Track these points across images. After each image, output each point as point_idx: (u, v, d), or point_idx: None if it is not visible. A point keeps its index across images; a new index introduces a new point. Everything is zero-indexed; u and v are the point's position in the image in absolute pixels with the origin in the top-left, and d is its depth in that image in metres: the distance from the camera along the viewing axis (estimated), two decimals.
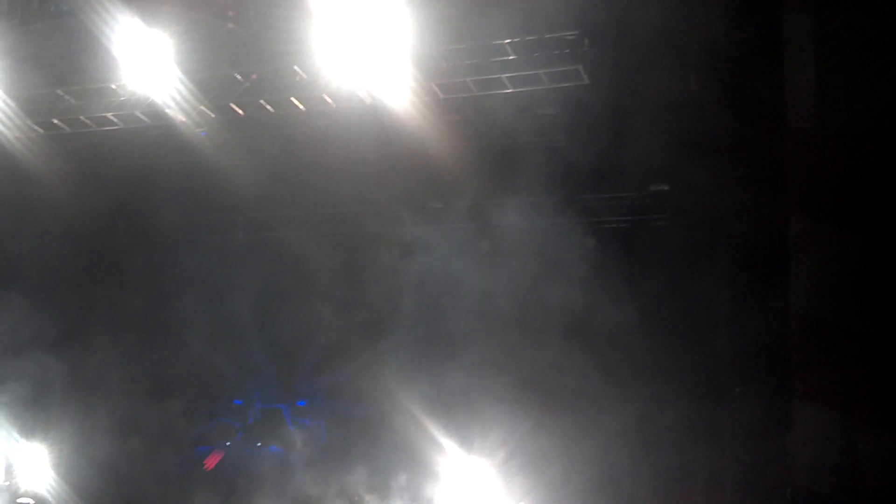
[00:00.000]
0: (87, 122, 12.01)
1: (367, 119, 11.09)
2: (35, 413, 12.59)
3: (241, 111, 11.47)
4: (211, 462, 12.57)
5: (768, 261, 10.16)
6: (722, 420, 10.29)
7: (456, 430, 11.21)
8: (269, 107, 11.30)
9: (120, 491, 12.10)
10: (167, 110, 11.33)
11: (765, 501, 10.15)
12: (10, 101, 11.77)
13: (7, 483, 12.69)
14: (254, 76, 10.88)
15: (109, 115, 11.79)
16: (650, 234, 10.68)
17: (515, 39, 9.94)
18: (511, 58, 10.14)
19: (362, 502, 11.59)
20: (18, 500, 12.66)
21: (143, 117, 11.65)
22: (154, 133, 12.17)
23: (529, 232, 11.03)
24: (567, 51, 9.96)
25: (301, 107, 11.22)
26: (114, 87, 11.28)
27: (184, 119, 11.48)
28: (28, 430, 12.65)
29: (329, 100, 10.90)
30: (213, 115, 11.43)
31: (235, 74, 11.01)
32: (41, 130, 12.05)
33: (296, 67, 10.63)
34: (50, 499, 12.50)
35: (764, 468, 10.20)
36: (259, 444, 12.52)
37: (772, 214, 9.88)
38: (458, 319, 11.38)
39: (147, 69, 10.93)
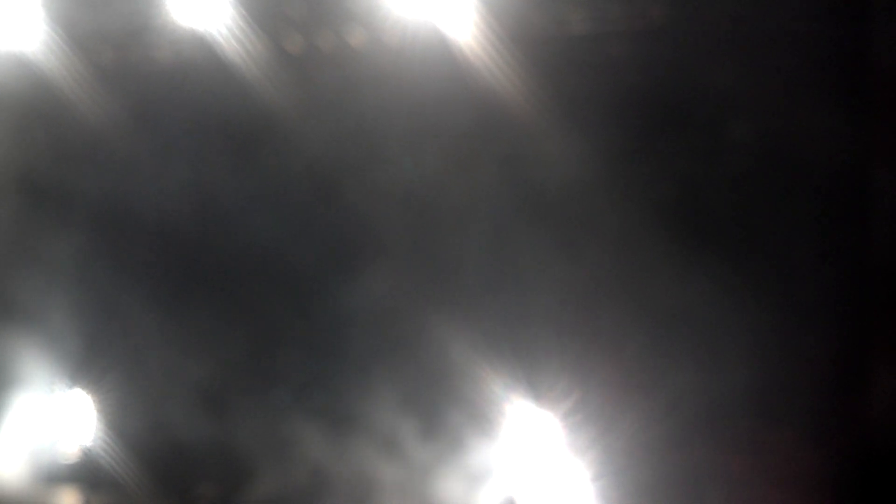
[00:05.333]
0: (136, 59, 13.08)
1: (429, 57, 11.83)
2: (82, 361, 13.54)
3: (296, 48, 12.46)
4: None
5: (850, 209, 10.94)
6: (796, 376, 11.16)
7: (520, 379, 12.12)
8: (326, 43, 12.25)
9: (173, 442, 13.00)
10: (219, 48, 12.40)
11: (839, 460, 11.03)
12: (56, 37, 12.82)
13: (52, 436, 13.61)
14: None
15: (158, 52, 12.91)
16: (727, 179, 11.47)
17: None
18: None
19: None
20: (64, 454, 13.64)
21: (192, 55, 12.68)
22: (206, 73, 12.83)
23: (602, 178, 11.87)
24: None
25: (359, 44, 12.15)
26: (162, 22, 12.37)
27: (237, 57, 12.47)
28: (74, 378, 13.58)
29: (390, 37, 11.83)
30: (268, 52, 12.44)
31: (289, 9, 11.96)
32: (88, 68, 12.97)
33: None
34: (98, 452, 13.47)
35: (839, 426, 11.06)
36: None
37: (855, 160, 10.61)
38: (526, 272, 12.38)
39: (197, 3, 12.00)
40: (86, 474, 13.58)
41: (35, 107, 13.23)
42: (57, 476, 13.65)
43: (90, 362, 13.54)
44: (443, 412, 12.38)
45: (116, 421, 13.48)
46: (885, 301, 10.73)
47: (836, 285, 10.94)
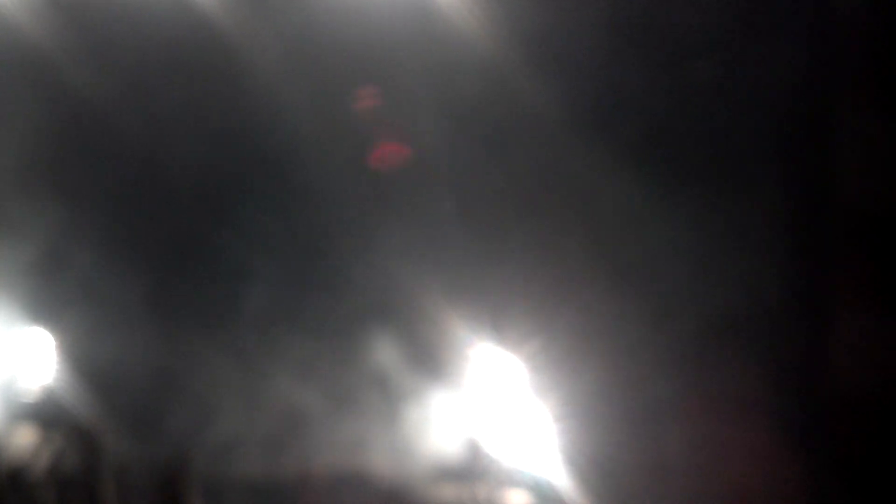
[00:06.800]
0: None
1: None
2: (44, 293, 13.54)
3: None
4: None
5: (816, 149, 11.17)
6: (757, 316, 11.44)
7: (483, 321, 12.34)
8: None
9: (141, 383, 13.15)
10: None
11: (799, 399, 11.35)
12: None
13: (9, 377, 13.61)
14: None
15: None
16: (694, 119, 11.70)
17: None
18: None
19: None
20: (24, 392, 13.73)
21: None
22: (164, 8, 12.92)
23: (567, 119, 12.07)
24: None
25: None
26: None
27: None
28: (34, 313, 13.55)
29: None
30: None
31: None
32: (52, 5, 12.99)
33: None
34: (58, 394, 13.49)
35: (800, 366, 11.36)
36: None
37: (821, 99, 10.84)
38: (489, 214, 12.56)
39: None
40: (46, 413, 13.68)
41: None
42: (17, 415, 13.75)
43: (49, 297, 13.66)
44: (400, 355, 12.55)
45: (78, 358, 13.61)
46: (849, 243, 10.98)
47: (801, 226, 11.21)
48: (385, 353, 12.54)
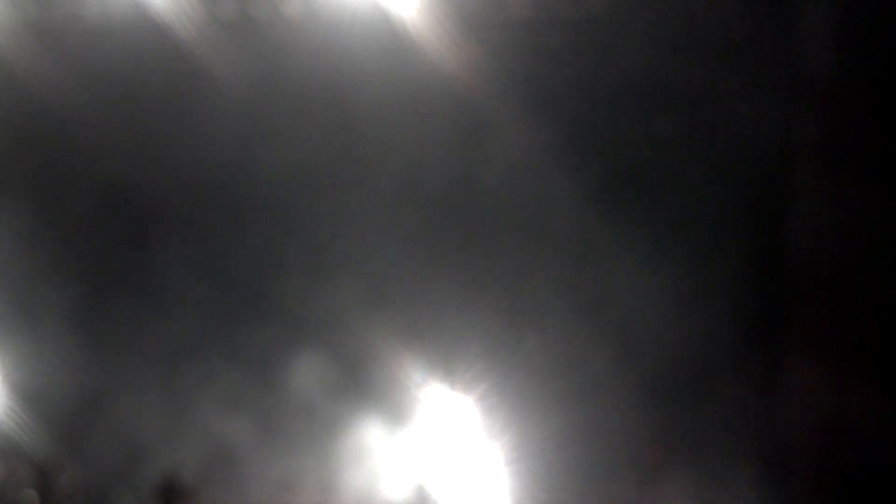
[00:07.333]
0: (63, 17, 13.22)
1: (366, 33, 12.22)
2: None
3: (229, 15, 12.73)
4: None
5: (773, 205, 11.55)
6: (712, 368, 11.72)
7: (436, 362, 12.43)
8: (259, 12, 12.59)
9: (83, 402, 13.06)
10: (150, 10, 12.61)
11: (750, 457, 11.54)
12: None
13: None
14: None
15: (86, 10, 13.06)
16: (654, 168, 12.04)
17: None
18: None
19: None
20: None
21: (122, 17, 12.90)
22: (135, 35, 13.00)
23: (529, 164, 12.33)
24: None
25: (293, 14, 12.52)
26: None
27: (167, 20, 12.73)
28: None
29: (326, 10, 12.18)
30: (199, 18, 12.65)
31: None
32: (25, 25, 13.05)
33: None
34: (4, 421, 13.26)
35: (749, 422, 11.58)
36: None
37: (780, 155, 11.26)
38: (446, 254, 12.73)
39: None
40: None
41: None
42: None
43: None
44: (351, 395, 12.54)
45: (22, 388, 13.49)
46: (803, 297, 11.32)
47: (756, 279, 11.52)
48: (331, 390, 12.61)
